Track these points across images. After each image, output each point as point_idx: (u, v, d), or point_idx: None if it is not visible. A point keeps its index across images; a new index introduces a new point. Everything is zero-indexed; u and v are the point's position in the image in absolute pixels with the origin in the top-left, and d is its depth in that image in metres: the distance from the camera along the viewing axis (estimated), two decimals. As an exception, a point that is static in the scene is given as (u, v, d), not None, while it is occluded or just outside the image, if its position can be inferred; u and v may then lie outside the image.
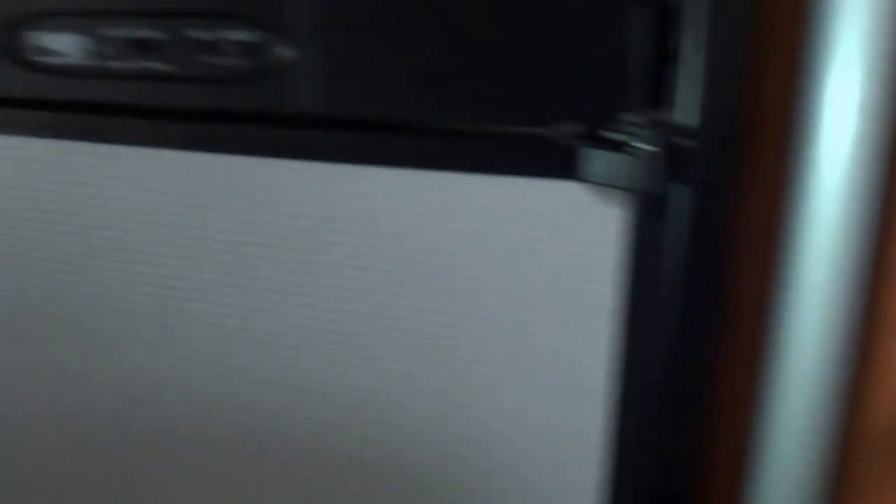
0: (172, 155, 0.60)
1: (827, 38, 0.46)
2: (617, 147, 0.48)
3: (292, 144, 0.57)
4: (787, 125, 0.50)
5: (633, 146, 0.47)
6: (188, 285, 0.63)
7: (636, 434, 0.53)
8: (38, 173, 0.64)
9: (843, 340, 0.50)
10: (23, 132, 0.64)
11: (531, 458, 0.57)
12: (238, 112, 0.57)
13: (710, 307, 0.51)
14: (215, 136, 0.58)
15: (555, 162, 0.51)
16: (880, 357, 0.54)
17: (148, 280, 0.64)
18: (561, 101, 0.50)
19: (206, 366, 0.64)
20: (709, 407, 0.57)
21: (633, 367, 0.52)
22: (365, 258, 0.57)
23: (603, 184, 0.49)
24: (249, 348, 0.62)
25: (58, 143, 0.63)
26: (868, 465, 0.57)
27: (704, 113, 0.46)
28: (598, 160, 0.48)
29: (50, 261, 0.67)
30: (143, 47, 0.58)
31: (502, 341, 0.55)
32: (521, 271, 0.54)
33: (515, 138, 0.52)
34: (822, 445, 0.53)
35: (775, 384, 0.52)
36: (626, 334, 0.52)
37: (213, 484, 0.68)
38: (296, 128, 0.57)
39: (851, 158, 0.47)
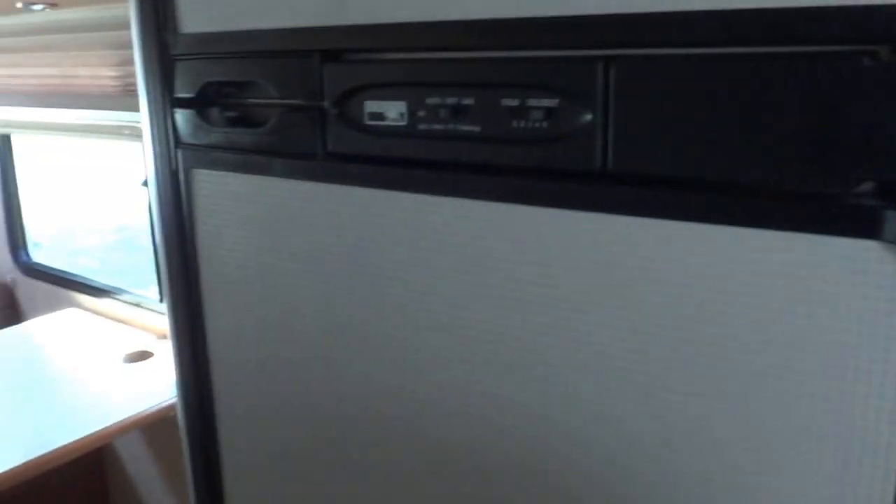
0: (481, 205, 0.67)
1: None
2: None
3: (589, 198, 0.62)
4: None
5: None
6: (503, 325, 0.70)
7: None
8: (373, 218, 0.75)
9: None
10: (356, 183, 0.75)
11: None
12: (539, 169, 0.63)
13: None
14: (520, 189, 0.65)
15: (855, 222, 0.51)
16: None
17: (451, 318, 0.72)
18: (860, 162, 0.49)
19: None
20: None
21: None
22: (656, 305, 0.60)
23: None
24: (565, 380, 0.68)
25: (384, 192, 0.73)
26: None
27: None
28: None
29: (374, 283, 0.77)
30: (457, 112, 0.66)
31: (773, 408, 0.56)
32: (807, 330, 0.54)
33: (817, 197, 0.52)
34: None
35: None
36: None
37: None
38: (592, 183, 0.61)
39: None
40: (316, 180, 0.77)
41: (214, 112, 0.84)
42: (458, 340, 0.72)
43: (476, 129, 0.65)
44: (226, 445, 0.98)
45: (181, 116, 0.86)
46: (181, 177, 0.89)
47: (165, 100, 0.87)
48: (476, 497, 0.74)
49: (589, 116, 0.59)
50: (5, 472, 1.65)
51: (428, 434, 0.76)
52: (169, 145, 0.89)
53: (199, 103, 0.83)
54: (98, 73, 2.16)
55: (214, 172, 0.86)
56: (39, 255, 2.93)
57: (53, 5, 1.92)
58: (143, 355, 2.16)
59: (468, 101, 0.65)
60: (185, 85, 0.85)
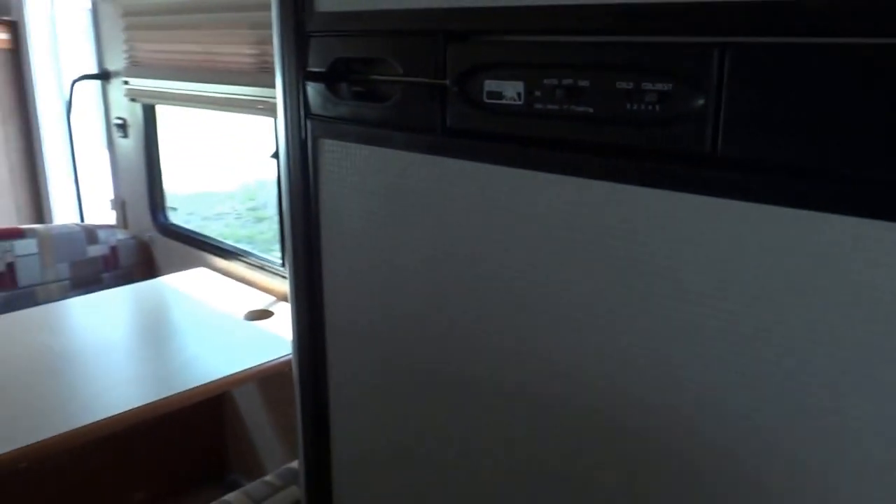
0: (591, 184, 0.69)
1: None
2: None
3: (698, 181, 0.63)
4: None
5: None
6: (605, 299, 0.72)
7: None
8: (486, 192, 0.78)
9: None
10: (472, 158, 0.78)
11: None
12: (650, 150, 0.65)
13: None
14: (631, 170, 0.66)
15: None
16: None
17: (570, 291, 0.74)
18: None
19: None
20: None
21: None
22: (769, 289, 0.61)
23: None
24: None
25: (499, 168, 0.76)
26: None
27: None
28: None
29: (484, 252, 0.81)
30: (573, 93, 0.68)
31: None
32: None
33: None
34: None
35: None
36: None
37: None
38: (701, 166, 0.62)
39: None
40: (434, 154, 0.81)
41: (343, 86, 0.89)
42: (563, 313, 0.74)
43: (590, 110, 0.67)
44: (335, 402, 1.04)
45: (312, 89, 0.92)
46: (309, 145, 0.95)
47: (299, 73, 0.93)
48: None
49: (701, 101, 0.60)
50: (134, 409, 1.79)
51: (531, 395, 0.79)
52: (300, 116, 0.95)
53: (330, 77, 0.88)
54: (238, 50, 2.28)
55: (340, 143, 0.91)
56: (175, 218, 3.12)
57: (200, -17, 2.03)
58: (263, 314, 2.28)
59: (583, 83, 0.67)
60: (317, 60, 0.90)
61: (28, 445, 1.59)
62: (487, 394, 0.83)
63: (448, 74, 0.77)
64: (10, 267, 2.73)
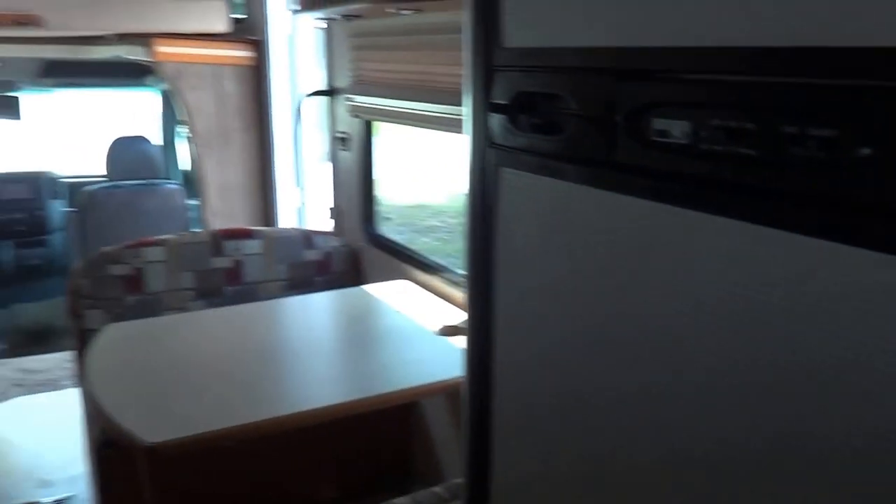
0: (752, 228, 0.69)
1: None
2: None
3: (866, 232, 0.61)
4: None
5: None
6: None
7: None
8: (649, 228, 0.79)
9: None
10: (638, 194, 0.79)
11: None
12: (813, 196, 0.63)
13: None
14: (793, 216, 0.65)
15: None
16: None
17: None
18: None
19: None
20: None
21: None
22: None
23: None
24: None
25: (663, 206, 0.77)
26: None
27: None
28: None
29: (645, 286, 0.81)
30: (737, 134, 0.68)
31: None
32: None
33: None
34: None
35: None
36: None
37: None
38: (868, 217, 0.60)
39: None
40: (602, 188, 0.83)
41: (523, 118, 0.93)
42: (713, 350, 0.74)
43: (753, 152, 0.67)
44: (499, 425, 1.08)
45: (495, 120, 0.97)
46: (490, 173, 1.00)
47: (484, 105, 0.98)
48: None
49: (868, 150, 0.59)
50: (330, 406, 1.93)
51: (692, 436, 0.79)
52: (483, 144, 1.00)
53: (511, 110, 0.93)
54: (451, 70, 2.39)
55: (517, 172, 0.95)
56: (388, 228, 3.30)
57: (418, 10, 2.16)
58: (456, 330, 2.37)
59: (749, 125, 0.67)
60: (501, 93, 0.95)
61: (234, 426, 1.77)
62: (654, 433, 0.83)
63: (618, 111, 0.79)
64: (238, 264, 3.02)
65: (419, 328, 2.42)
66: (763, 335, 0.69)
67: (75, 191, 5.38)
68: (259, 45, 4.09)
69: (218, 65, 4.10)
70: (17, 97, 5.37)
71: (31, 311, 5.60)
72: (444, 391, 2.22)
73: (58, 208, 5.59)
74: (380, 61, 2.84)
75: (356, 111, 3.07)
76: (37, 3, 3.73)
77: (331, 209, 3.58)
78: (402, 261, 2.97)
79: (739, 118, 0.67)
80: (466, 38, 1.00)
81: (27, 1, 3.71)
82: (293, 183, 4.22)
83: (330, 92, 3.34)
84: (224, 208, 4.34)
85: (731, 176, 0.69)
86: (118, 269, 2.83)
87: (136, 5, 3.95)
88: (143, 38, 3.93)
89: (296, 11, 2.79)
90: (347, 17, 2.68)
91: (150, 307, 2.83)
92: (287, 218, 4.27)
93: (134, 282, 2.85)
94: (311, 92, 3.46)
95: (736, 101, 0.68)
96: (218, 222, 4.30)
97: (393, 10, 2.30)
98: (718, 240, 0.71)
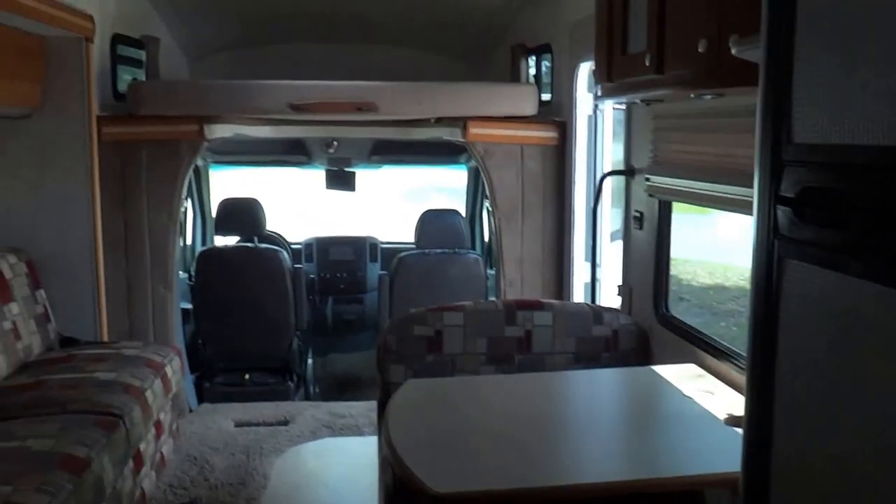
0: None
1: None
2: None
3: None
4: None
5: None
6: None
7: None
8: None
9: None
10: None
11: None
12: None
13: None
14: None
15: None
16: None
17: None
18: None
19: None
20: None
21: None
22: None
23: None
24: None
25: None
26: None
27: None
28: None
29: None
30: None
31: None
32: None
33: None
34: None
35: None
36: None
37: None
38: None
39: None
40: (892, 286, 0.80)
41: (809, 211, 0.93)
42: None
43: None
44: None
45: (782, 212, 0.98)
46: (775, 263, 1.00)
47: (772, 196, 0.99)
48: None
49: None
50: (607, 483, 1.95)
51: None
52: (769, 235, 1.01)
53: (798, 203, 0.93)
54: (751, 153, 2.34)
55: (803, 264, 0.94)
56: (681, 309, 3.24)
57: (720, 95, 2.16)
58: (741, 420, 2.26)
59: None
60: (788, 186, 0.96)
61: (514, 488, 1.85)
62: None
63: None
64: (529, 334, 3.14)
65: (706, 415, 2.34)
66: None
67: (389, 255, 5.91)
68: (563, 126, 4.29)
69: (523, 144, 4.36)
70: (354, 172, 6.12)
71: (344, 361, 6.21)
72: (728, 484, 2.13)
73: (375, 270, 6.18)
74: (679, 142, 2.86)
75: (653, 191, 3.09)
76: (374, 93, 4.29)
77: (619, 286, 3.60)
78: (694, 344, 2.90)
79: None
80: (756, 133, 1.02)
81: (366, 92, 4.29)
82: (584, 258, 4.30)
83: (628, 172, 3.40)
84: (518, 278, 4.54)
85: None
86: (421, 330, 3.07)
87: (456, 93, 4.36)
88: (459, 121, 4.31)
89: (598, 98, 2.90)
90: (648, 101, 2.74)
91: (446, 367, 3.02)
92: (577, 292, 4.35)
93: (434, 343, 3.06)
94: (609, 171, 3.54)
95: None
96: (511, 291, 4.51)
97: (693, 96, 2.32)
98: None
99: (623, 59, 2.34)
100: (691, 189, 2.77)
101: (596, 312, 3.23)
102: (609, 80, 2.46)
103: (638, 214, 3.31)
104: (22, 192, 4.04)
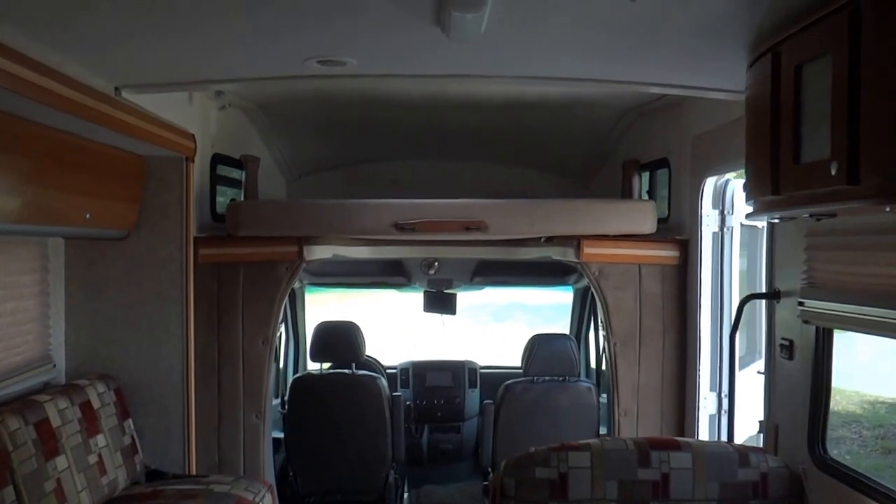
0: None
1: None
2: None
3: None
4: None
5: None
6: None
7: None
8: None
9: None
10: None
11: None
12: None
13: None
14: None
15: None
16: None
17: None
18: None
19: None
20: None
21: None
22: None
23: None
24: None
25: None
26: None
27: None
28: None
29: None
30: None
31: None
32: None
33: None
34: None
35: None
36: None
37: None
38: None
39: None
40: None
41: None
42: None
43: None
44: None
45: None
46: None
47: None
48: None
49: None
50: None
51: None
52: None
53: None
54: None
55: None
56: (844, 450, 2.84)
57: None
58: None
59: None
60: None
61: None
62: None
63: None
64: (666, 478, 2.76)
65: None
66: None
67: (486, 381, 5.59)
68: (684, 244, 3.99)
69: (641, 263, 4.06)
70: (455, 294, 5.86)
71: (438, 494, 5.78)
72: None
73: (474, 397, 5.84)
74: (847, 262, 2.52)
75: (810, 317, 2.73)
76: (483, 211, 4.07)
77: (760, 422, 3.20)
78: (864, 493, 2.47)
79: None
80: None
81: (475, 210, 4.08)
82: (710, 388, 3.93)
83: (773, 295, 3.05)
84: (633, 408, 4.15)
85: None
86: (544, 472, 2.74)
87: (569, 211, 4.09)
88: (572, 240, 4.05)
89: (751, 214, 2.60)
90: (819, 216, 2.42)
91: (572, 514, 2.68)
92: (703, 425, 3.94)
93: (559, 487, 2.73)
94: (751, 294, 3.20)
95: None
96: (626, 422, 4.12)
97: (888, 210, 1.99)
98: None
99: (795, 168, 2.06)
100: (863, 315, 2.41)
101: (741, 453, 2.84)
102: (775, 194, 2.17)
103: (787, 343, 2.94)
104: (113, 316, 3.88)
